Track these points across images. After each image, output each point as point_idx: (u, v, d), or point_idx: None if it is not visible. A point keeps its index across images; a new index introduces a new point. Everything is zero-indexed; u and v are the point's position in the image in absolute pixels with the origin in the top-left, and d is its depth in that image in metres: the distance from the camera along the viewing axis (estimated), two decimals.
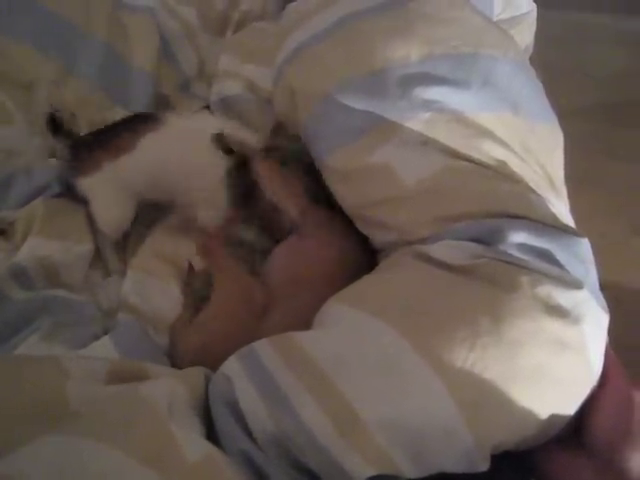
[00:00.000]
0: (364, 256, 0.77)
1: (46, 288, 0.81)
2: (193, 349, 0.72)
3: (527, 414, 0.51)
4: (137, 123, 0.86)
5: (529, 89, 0.74)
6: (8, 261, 0.81)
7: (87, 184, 0.84)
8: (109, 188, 0.84)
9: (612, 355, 0.58)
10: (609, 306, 0.60)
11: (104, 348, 0.68)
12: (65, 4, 1.00)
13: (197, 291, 0.81)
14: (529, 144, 0.69)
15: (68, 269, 0.83)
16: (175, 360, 0.73)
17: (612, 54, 1.86)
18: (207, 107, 1.11)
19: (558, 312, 0.54)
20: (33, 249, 0.81)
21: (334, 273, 0.72)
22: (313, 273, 0.74)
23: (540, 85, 0.76)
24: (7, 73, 0.93)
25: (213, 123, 0.90)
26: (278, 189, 0.84)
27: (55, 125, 0.88)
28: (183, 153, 0.84)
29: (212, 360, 0.63)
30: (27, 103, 0.93)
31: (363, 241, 0.77)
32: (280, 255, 0.81)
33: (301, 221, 0.81)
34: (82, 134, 0.90)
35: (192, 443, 0.46)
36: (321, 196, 0.80)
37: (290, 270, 0.77)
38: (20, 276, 0.79)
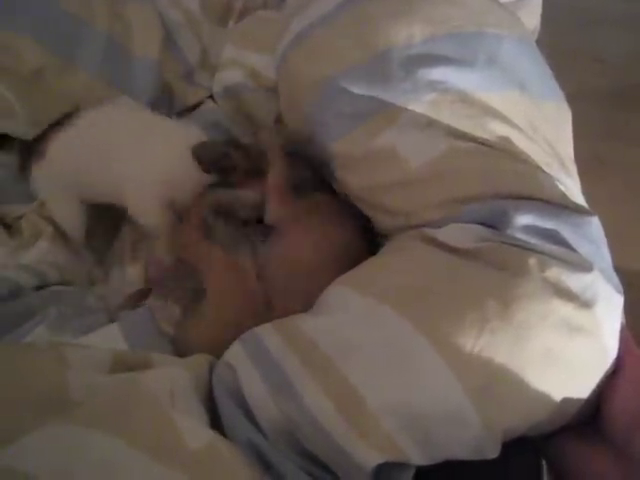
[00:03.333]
0: (362, 240, 0.75)
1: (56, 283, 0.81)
2: (207, 346, 0.70)
3: (538, 398, 0.50)
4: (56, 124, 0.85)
5: (535, 67, 0.73)
6: (16, 259, 0.82)
7: (35, 187, 0.86)
8: (49, 187, 0.86)
9: (628, 338, 0.57)
10: None
11: (112, 334, 0.68)
12: None
13: (190, 290, 0.76)
14: (536, 122, 0.67)
15: (73, 270, 0.85)
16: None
17: (622, 37, 1.84)
18: (210, 97, 1.11)
19: (568, 295, 0.53)
20: (42, 254, 0.83)
21: (333, 271, 0.69)
22: (308, 277, 0.72)
23: (545, 63, 0.75)
24: (7, 65, 0.92)
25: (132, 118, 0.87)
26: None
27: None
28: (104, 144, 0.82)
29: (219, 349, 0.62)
30: (30, 96, 0.92)
31: (362, 225, 0.76)
32: (272, 257, 0.76)
33: (278, 220, 0.77)
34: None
35: (194, 431, 0.45)
36: (308, 184, 0.78)
37: (290, 256, 0.74)
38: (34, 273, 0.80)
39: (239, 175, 0.80)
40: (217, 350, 0.63)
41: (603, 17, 1.91)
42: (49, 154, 0.83)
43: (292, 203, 0.77)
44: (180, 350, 0.70)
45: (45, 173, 0.84)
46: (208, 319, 0.72)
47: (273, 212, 0.77)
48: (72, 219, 0.87)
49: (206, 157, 0.79)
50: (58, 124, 0.85)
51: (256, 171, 0.80)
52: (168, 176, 0.80)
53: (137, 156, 0.81)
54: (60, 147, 0.83)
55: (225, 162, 0.79)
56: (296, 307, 0.65)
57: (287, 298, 0.69)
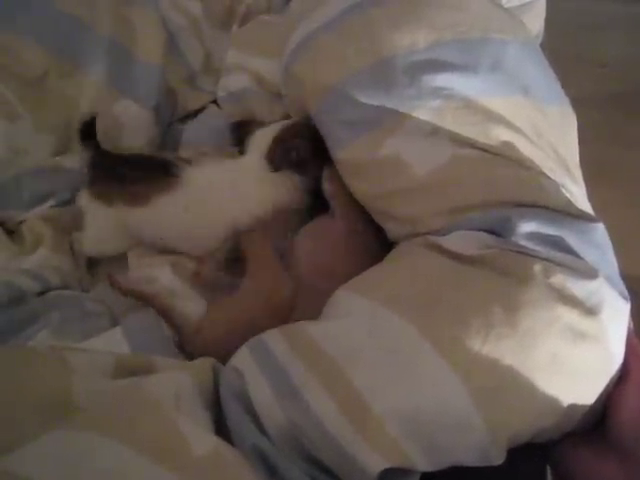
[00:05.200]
0: (384, 247, 0.75)
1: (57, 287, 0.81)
2: (214, 340, 0.70)
3: (543, 405, 0.50)
4: (156, 173, 0.83)
5: (539, 72, 0.72)
6: (18, 264, 0.82)
7: (91, 206, 0.85)
8: (110, 223, 0.84)
9: (635, 343, 0.56)
10: None
11: (114, 339, 0.68)
12: None
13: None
14: (541, 127, 0.67)
15: (72, 275, 0.85)
16: (190, 347, 0.72)
17: (624, 42, 1.84)
18: (214, 102, 1.11)
19: (573, 302, 0.53)
20: (44, 260, 0.83)
21: (360, 265, 0.69)
22: (340, 265, 0.73)
23: (550, 68, 0.75)
24: (11, 68, 0.92)
25: (236, 171, 0.86)
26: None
27: (87, 130, 0.88)
28: (203, 216, 0.82)
29: (229, 351, 0.62)
30: (33, 99, 0.92)
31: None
32: (308, 237, 0.79)
33: (338, 206, 0.80)
34: (105, 149, 0.89)
35: (199, 437, 0.45)
36: None
37: (317, 258, 0.76)
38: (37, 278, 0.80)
39: (309, 163, 0.83)
40: (228, 349, 0.64)
41: (606, 22, 1.91)
42: (152, 207, 0.81)
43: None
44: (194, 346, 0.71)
45: (138, 222, 0.83)
46: (234, 312, 0.72)
47: (331, 183, 0.80)
48: (106, 252, 0.87)
49: (277, 159, 0.83)
50: (159, 174, 0.83)
51: (318, 154, 0.81)
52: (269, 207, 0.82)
53: (241, 202, 0.82)
54: (167, 202, 0.81)
55: (294, 157, 0.82)
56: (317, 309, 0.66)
57: (315, 298, 0.68)
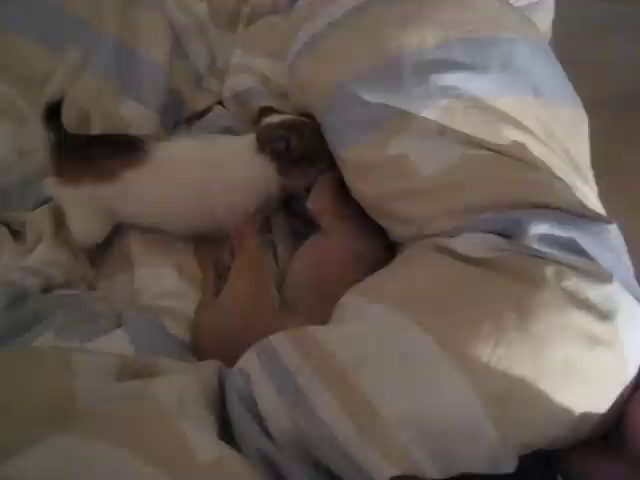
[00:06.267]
0: (387, 253, 0.75)
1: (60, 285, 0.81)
2: (207, 332, 0.72)
3: (555, 411, 0.49)
4: (124, 148, 0.83)
5: (550, 71, 0.72)
6: (20, 263, 0.82)
7: (62, 192, 0.83)
8: (85, 204, 0.82)
9: None
10: None
11: (118, 340, 0.67)
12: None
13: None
14: (552, 128, 0.66)
15: (73, 270, 0.85)
16: (195, 347, 0.72)
17: (630, 44, 1.82)
18: (220, 103, 1.11)
19: (586, 306, 0.52)
20: (44, 256, 0.82)
21: (356, 278, 0.69)
22: (335, 279, 0.72)
23: (560, 67, 0.74)
24: (17, 70, 0.92)
25: (200, 149, 0.86)
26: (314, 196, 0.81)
27: (52, 113, 0.85)
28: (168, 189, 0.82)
29: (229, 344, 0.62)
30: (38, 100, 0.92)
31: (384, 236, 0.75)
32: (303, 254, 0.79)
33: (327, 224, 0.79)
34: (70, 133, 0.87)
35: (203, 443, 0.44)
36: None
37: (311, 272, 0.76)
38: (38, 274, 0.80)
39: (291, 158, 0.81)
40: (224, 343, 0.66)
41: (610, 23, 1.90)
42: (121, 182, 0.80)
43: (338, 198, 0.78)
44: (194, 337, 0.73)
45: (109, 200, 0.82)
46: (220, 303, 0.73)
47: (316, 201, 0.80)
48: (94, 235, 0.86)
49: (265, 138, 0.81)
50: (125, 151, 0.82)
51: (308, 157, 0.81)
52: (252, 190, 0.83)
53: (224, 183, 0.82)
54: (140, 179, 0.81)
55: (280, 145, 0.80)
56: (321, 313, 0.65)
57: (315, 301, 0.69)
